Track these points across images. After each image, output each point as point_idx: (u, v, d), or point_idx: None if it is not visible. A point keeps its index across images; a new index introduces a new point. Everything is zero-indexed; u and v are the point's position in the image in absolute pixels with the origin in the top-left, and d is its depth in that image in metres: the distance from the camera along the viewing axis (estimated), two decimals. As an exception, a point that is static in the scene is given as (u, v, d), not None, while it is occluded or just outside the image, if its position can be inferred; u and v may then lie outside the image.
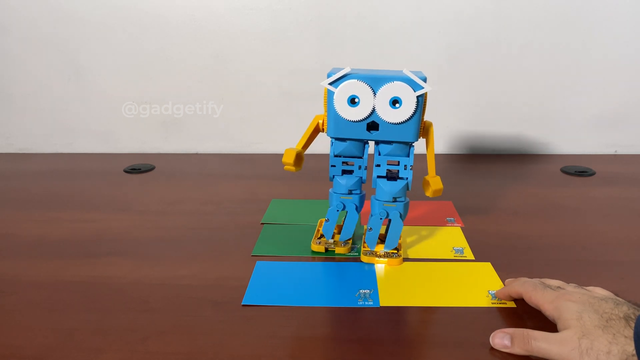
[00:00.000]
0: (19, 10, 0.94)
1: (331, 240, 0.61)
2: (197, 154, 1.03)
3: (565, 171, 0.88)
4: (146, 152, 1.03)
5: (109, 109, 1.00)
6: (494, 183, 0.84)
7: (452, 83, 0.94)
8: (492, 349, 0.43)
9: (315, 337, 0.46)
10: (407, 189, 0.56)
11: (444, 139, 0.99)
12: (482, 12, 0.89)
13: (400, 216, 0.57)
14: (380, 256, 0.58)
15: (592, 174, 0.86)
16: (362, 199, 0.58)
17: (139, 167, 0.93)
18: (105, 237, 0.66)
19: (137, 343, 0.45)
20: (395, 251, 0.59)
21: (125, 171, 0.92)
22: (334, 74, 0.51)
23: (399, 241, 0.60)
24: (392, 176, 0.56)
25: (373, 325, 0.47)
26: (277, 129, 1.00)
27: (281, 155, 0.55)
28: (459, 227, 0.66)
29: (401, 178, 0.56)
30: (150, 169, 0.93)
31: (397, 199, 0.56)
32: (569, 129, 0.97)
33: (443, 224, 0.68)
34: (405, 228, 0.65)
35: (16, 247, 0.64)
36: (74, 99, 1.00)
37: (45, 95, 1.00)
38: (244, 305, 0.50)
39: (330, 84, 0.51)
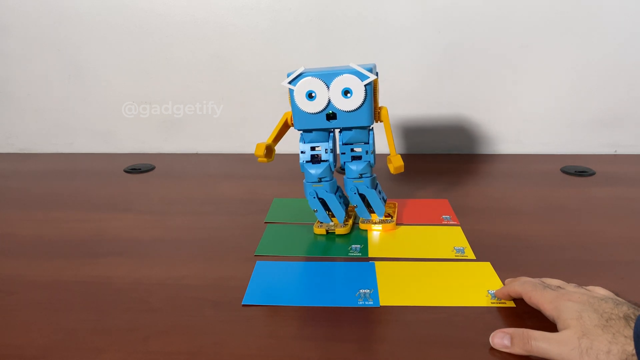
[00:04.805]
0: (19, 10, 0.94)
1: (331, 224, 0.65)
2: (197, 154, 1.03)
3: (565, 171, 0.88)
4: (146, 152, 1.03)
5: (109, 109, 1.00)
6: (494, 183, 0.84)
7: (451, 82, 0.94)
8: (492, 348, 0.43)
9: (315, 337, 0.46)
10: (371, 166, 0.63)
11: (442, 137, 0.99)
12: (482, 11, 0.89)
13: (370, 187, 0.63)
14: (375, 223, 0.66)
15: (592, 174, 0.86)
16: (332, 185, 0.64)
17: (139, 167, 0.93)
18: (105, 237, 0.66)
19: (137, 343, 0.45)
20: (389, 217, 0.66)
21: (125, 171, 0.92)
22: (291, 74, 0.57)
23: (393, 209, 0.69)
24: (356, 156, 0.63)
25: (373, 325, 0.47)
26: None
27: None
28: (460, 227, 0.67)
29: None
30: (150, 169, 0.93)
31: (364, 175, 0.63)
32: (569, 129, 0.97)
33: (439, 222, 0.68)
34: (405, 227, 0.66)
35: (16, 247, 0.64)
36: (74, 99, 1.00)
37: (45, 95, 1.00)
38: (244, 305, 0.50)
39: (289, 83, 0.57)
